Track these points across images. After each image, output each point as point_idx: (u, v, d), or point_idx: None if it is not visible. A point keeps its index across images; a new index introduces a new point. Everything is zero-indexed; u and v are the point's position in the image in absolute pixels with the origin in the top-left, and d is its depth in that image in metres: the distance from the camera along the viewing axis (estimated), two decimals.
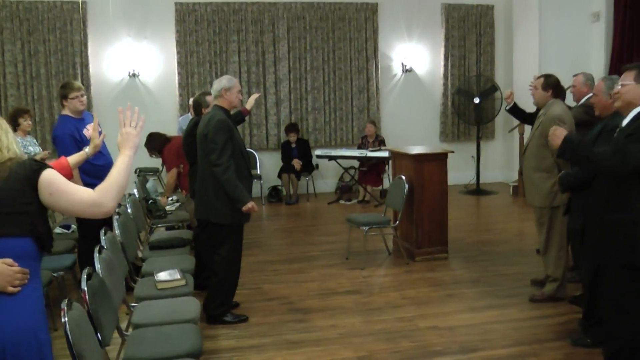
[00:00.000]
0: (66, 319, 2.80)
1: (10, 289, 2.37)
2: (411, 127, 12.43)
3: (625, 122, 3.91)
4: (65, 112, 5.86)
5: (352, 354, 4.80)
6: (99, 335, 3.30)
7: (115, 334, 3.80)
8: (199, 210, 5.59)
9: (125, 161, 2.64)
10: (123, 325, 4.08)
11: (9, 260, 2.38)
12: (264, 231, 9.44)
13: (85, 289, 3.32)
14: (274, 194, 11.85)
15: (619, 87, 3.96)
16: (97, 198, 2.51)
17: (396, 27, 12.39)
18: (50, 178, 2.46)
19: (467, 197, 11.60)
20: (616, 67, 10.23)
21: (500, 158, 13.07)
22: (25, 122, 7.24)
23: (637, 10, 10.25)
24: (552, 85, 5.82)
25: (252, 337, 5.20)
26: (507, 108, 6.69)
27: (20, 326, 2.38)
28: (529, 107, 6.49)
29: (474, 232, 8.79)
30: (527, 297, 5.95)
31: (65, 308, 2.85)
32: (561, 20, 11.14)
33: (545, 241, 5.80)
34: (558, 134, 4.01)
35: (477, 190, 11.95)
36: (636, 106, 3.85)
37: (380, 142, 11.40)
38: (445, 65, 12.61)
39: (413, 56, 12.51)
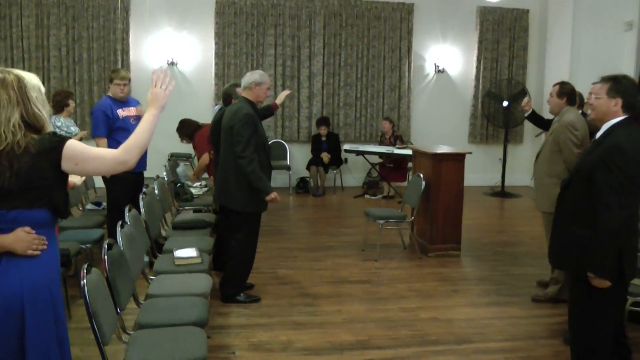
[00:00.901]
0: (84, 281, 3.16)
1: (30, 252, 2.70)
2: (441, 127, 12.66)
3: (598, 134, 3.95)
4: (109, 93, 6.52)
5: (352, 338, 5.11)
6: (115, 300, 3.65)
7: (133, 304, 4.18)
8: (218, 197, 5.95)
9: (151, 120, 2.92)
10: (142, 297, 4.45)
11: (27, 229, 2.69)
12: (288, 220, 9.80)
13: (105, 257, 3.68)
14: (302, 185, 12.19)
15: (593, 98, 4.03)
16: (121, 156, 2.80)
17: (431, 27, 12.62)
18: (73, 150, 2.75)
19: (491, 199, 11.80)
20: None
21: (527, 162, 13.19)
22: (72, 104, 7.67)
23: None
24: (566, 93, 5.99)
25: (261, 316, 5.55)
26: (526, 115, 6.87)
27: (36, 284, 2.71)
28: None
29: (490, 233, 9.02)
30: (530, 297, 6.17)
31: (85, 272, 3.20)
32: (594, 28, 11.23)
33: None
34: (597, 283, 3.78)
35: (502, 193, 12.13)
36: (608, 120, 3.88)
37: (396, 138, 11.66)
38: (478, 68, 12.80)
39: (446, 57, 12.73)
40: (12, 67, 11.15)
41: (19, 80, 2.72)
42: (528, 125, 12.94)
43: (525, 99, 6.93)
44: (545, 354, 4.92)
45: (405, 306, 5.89)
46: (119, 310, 3.72)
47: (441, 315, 5.67)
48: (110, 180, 6.34)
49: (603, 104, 3.89)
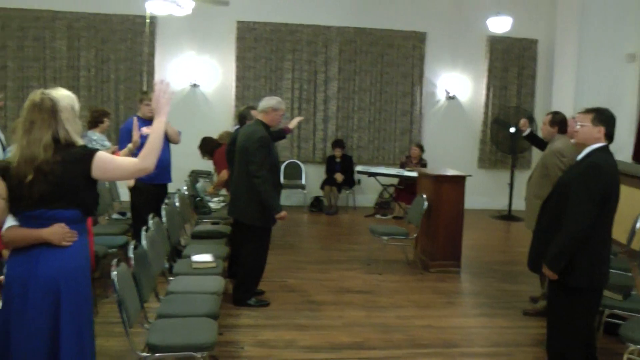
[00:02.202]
0: (115, 272, 3.74)
1: (64, 243, 3.24)
2: (451, 152, 13.13)
3: (579, 157, 4.50)
4: (138, 113, 7.06)
5: (350, 339, 5.64)
6: (139, 293, 4.22)
7: (154, 302, 4.74)
8: (232, 210, 6.53)
9: (160, 127, 3.43)
10: (162, 294, 5.01)
11: (62, 224, 3.23)
12: (300, 236, 10.36)
13: (132, 256, 4.26)
14: (316, 204, 12.72)
15: (578, 126, 4.55)
16: (141, 164, 3.34)
17: (442, 55, 13.18)
18: (101, 160, 3.30)
19: (497, 222, 12.26)
20: None
21: None
22: (107, 122, 8.27)
23: None
24: (557, 122, 6.49)
25: (268, 318, 6.10)
26: (524, 135, 7.36)
27: (69, 269, 3.26)
28: None
29: (491, 252, 9.50)
30: (521, 311, 6.63)
31: (115, 264, 3.78)
32: (598, 59, 11.66)
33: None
34: (548, 274, 4.38)
35: (508, 216, 12.56)
36: (589, 145, 4.42)
37: (423, 165, 12.15)
38: (487, 95, 13.32)
39: (456, 84, 13.27)
40: (45, 85, 11.93)
41: (53, 104, 3.26)
42: (536, 152, 13.40)
43: (523, 120, 7.36)
44: (525, 359, 5.39)
45: (402, 314, 6.41)
46: (141, 301, 4.28)
47: (434, 323, 6.17)
48: (136, 192, 6.92)
49: (587, 131, 4.43)
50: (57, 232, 3.20)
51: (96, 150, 3.36)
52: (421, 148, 12.44)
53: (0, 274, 4.44)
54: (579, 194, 4.23)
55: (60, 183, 3.18)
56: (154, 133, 3.42)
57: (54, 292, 3.19)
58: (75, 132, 3.34)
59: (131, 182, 6.74)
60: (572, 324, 4.42)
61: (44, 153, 3.18)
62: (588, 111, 4.52)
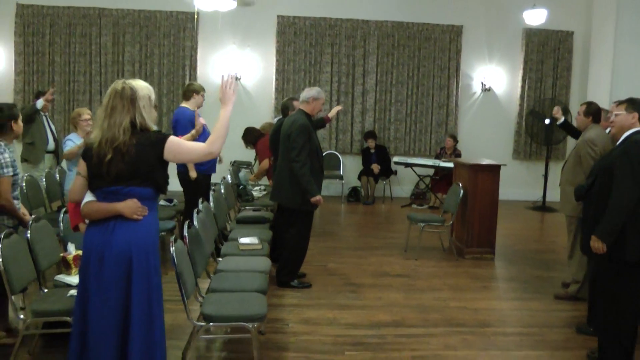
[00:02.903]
0: (173, 248, 4.09)
1: (135, 216, 3.57)
2: (486, 144, 13.34)
3: (618, 142, 4.92)
4: (186, 104, 7.29)
5: (388, 318, 5.94)
6: (193, 268, 4.56)
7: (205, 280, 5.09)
8: (275, 195, 6.87)
9: (227, 115, 3.75)
10: (212, 273, 5.37)
11: (135, 200, 3.57)
12: (339, 225, 10.69)
13: (186, 234, 4.61)
14: (353, 194, 13.04)
15: (614, 116, 4.98)
16: (208, 149, 3.65)
17: (478, 48, 13.38)
18: (173, 144, 3.63)
19: (531, 213, 12.43)
20: None
21: None
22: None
23: None
24: (592, 112, 6.69)
25: (311, 299, 6.43)
26: (558, 124, 7.56)
27: (140, 241, 3.58)
28: None
29: (525, 241, 9.72)
30: (552, 295, 6.85)
31: (173, 241, 4.13)
32: (635, 50, 11.71)
33: (571, 246, 6.65)
34: (596, 246, 4.75)
35: (543, 207, 12.73)
36: (626, 131, 4.88)
37: (457, 156, 12.38)
38: (523, 87, 13.49)
39: (492, 77, 13.46)
40: (91, 80, 12.46)
41: (133, 93, 3.61)
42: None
43: (556, 108, 7.53)
44: (556, 339, 5.62)
45: (438, 296, 6.69)
46: (195, 277, 4.62)
47: (469, 305, 6.43)
48: (185, 182, 7.25)
49: (622, 118, 4.92)
50: (130, 206, 3.54)
51: (169, 134, 3.70)
52: (454, 139, 12.67)
53: (77, 249, 4.86)
54: (622, 169, 4.64)
55: (135, 163, 3.52)
56: (221, 121, 3.72)
57: (126, 261, 3.53)
58: (150, 119, 3.68)
59: (194, 174, 7.08)
60: (623, 301, 4.73)
61: (123, 135, 3.51)
62: (621, 102, 5.04)
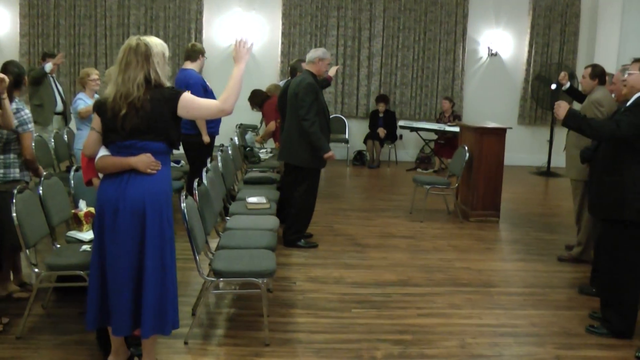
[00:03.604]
0: (184, 204, 4.16)
1: (148, 170, 3.62)
2: (492, 108, 13.31)
3: (628, 103, 4.85)
4: (190, 66, 7.24)
5: (394, 277, 6.03)
6: (203, 224, 4.64)
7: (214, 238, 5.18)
8: (283, 154, 6.94)
9: (240, 73, 3.81)
10: (221, 231, 5.46)
11: (148, 154, 3.62)
12: (344, 187, 10.77)
13: (196, 192, 4.68)
14: (359, 158, 13.09)
15: (626, 75, 4.93)
16: (221, 105, 3.70)
17: (485, 12, 13.31)
18: (187, 100, 3.68)
19: (536, 178, 12.46)
20: None
21: None
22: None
23: None
24: (597, 75, 6.70)
25: (317, 258, 6.52)
26: (564, 89, 7.57)
27: (153, 192, 3.64)
28: None
29: (529, 205, 9.77)
30: (556, 257, 6.93)
31: (183, 197, 4.20)
32: None
33: (577, 210, 6.70)
34: (563, 106, 4.94)
35: (547, 172, 12.75)
36: (637, 92, 4.79)
37: (455, 117, 12.43)
38: (529, 52, 13.44)
39: (499, 41, 13.41)
40: (96, 43, 12.46)
41: (147, 49, 3.64)
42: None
43: (562, 74, 7.54)
44: (559, 299, 5.71)
45: (443, 257, 6.78)
46: (205, 233, 4.70)
47: (473, 266, 6.52)
48: (189, 144, 7.25)
49: (636, 77, 4.83)
50: (144, 160, 3.60)
51: (183, 90, 3.73)
52: (450, 100, 12.67)
53: (88, 206, 4.94)
54: (627, 121, 4.64)
55: (149, 118, 3.57)
56: (234, 79, 3.76)
57: (140, 213, 3.60)
58: (164, 75, 3.71)
59: (207, 138, 7.08)
60: (625, 261, 4.80)
61: (137, 90, 3.56)
62: (636, 60, 4.94)
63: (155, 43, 3.71)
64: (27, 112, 4.84)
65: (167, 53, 3.78)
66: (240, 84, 3.77)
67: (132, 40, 3.67)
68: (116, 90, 3.59)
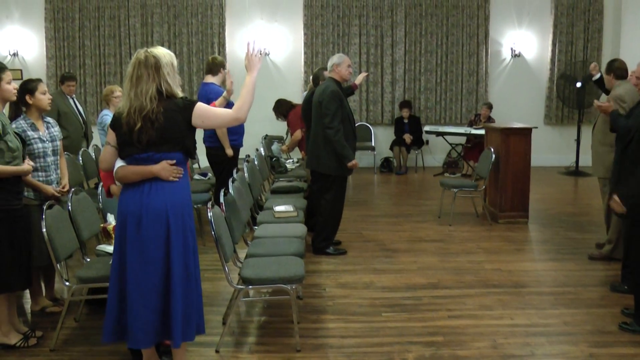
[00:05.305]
0: (211, 214, 4.22)
1: (171, 178, 3.68)
2: (517, 110, 13.22)
3: None
4: (212, 80, 7.30)
5: (424, 281, 6.04)
6: (231, 234, 4.70)
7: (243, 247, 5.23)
8: (310, 162, 6.99)
9: (252, 82, 3.83)
10: (249, 240, 5.52)
11: (170, 161, 3.66)
12: (372, 194, 10.83)
13: (223, 201, 4.74)
14: (386, 165, 13.09)
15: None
16: (235, 114, 3.75)
17: (507, 14, 13.25)
18: (201, 110, 3.73)
19: (565, 177, 12.35)
20: None
21: None
22: None
23: None
24: (613, 70, 6.69)
25: (347, 264, 6.55)
26: (594, 80, 7.53)
27: (176, 202, 3.71)
28: None
29: (559, 205, 9.70)
30: (587, 256, 6.86)
31: (210, 207, 4.26)
32: None
33: (606, 208, 6.65)
34: (605, 106, 4.91)
35: (576, 172, 12.62)
36: None
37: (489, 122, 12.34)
38: (553, 51, 13.34)
39: (522, 42, 13.33)
40: (121, 62, 12.64)
41: (156, 61, 3.68)
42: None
43: (593, 64, 7.54)
44: (591, 297, 5.67)
45: (473, 259, 6.76)
46: (234, 242, 4.76)
47: (503, 267, 6.50)
48: (213, 157, 7.33)
49: None
50: (166, 168, 3.66)
51: (196, 101, 3.81)
52: (490, 107, 12.59)
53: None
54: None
55: (165, 129, 3.63)
56: (247, 87, 3.80)
57: (164, 223, 3.65)
58: (175, 85, 3.76)
59: (230, 152, 7.14)
60: None
61: (150, 103, 3.61)
62: None
63: (163, 53, 3.75)
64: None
65: (175, 62, 3.82)
66: (253, 92, 3.81)
67: (140, 53, 3.72)
68: (130, 104, 3.65)
